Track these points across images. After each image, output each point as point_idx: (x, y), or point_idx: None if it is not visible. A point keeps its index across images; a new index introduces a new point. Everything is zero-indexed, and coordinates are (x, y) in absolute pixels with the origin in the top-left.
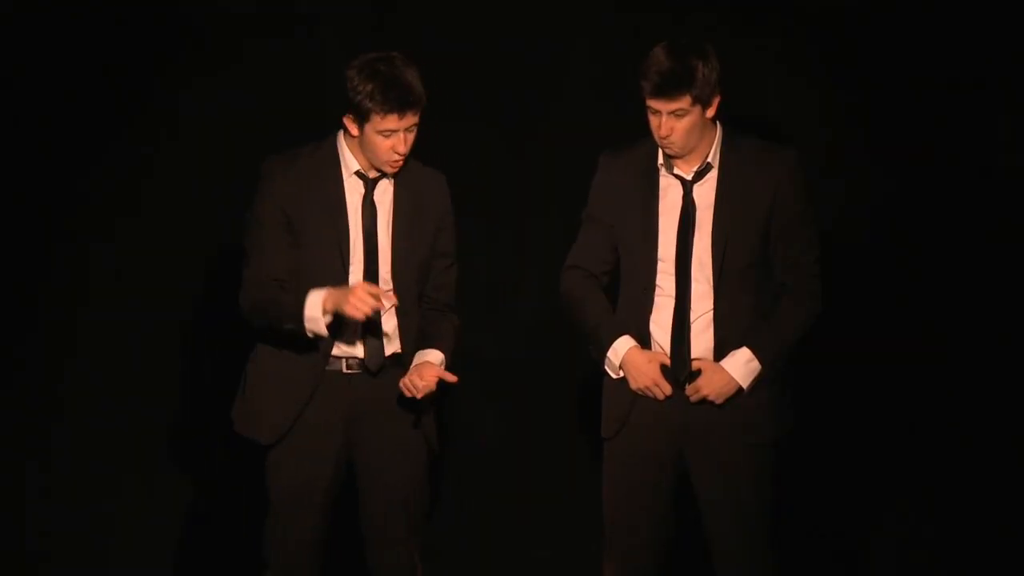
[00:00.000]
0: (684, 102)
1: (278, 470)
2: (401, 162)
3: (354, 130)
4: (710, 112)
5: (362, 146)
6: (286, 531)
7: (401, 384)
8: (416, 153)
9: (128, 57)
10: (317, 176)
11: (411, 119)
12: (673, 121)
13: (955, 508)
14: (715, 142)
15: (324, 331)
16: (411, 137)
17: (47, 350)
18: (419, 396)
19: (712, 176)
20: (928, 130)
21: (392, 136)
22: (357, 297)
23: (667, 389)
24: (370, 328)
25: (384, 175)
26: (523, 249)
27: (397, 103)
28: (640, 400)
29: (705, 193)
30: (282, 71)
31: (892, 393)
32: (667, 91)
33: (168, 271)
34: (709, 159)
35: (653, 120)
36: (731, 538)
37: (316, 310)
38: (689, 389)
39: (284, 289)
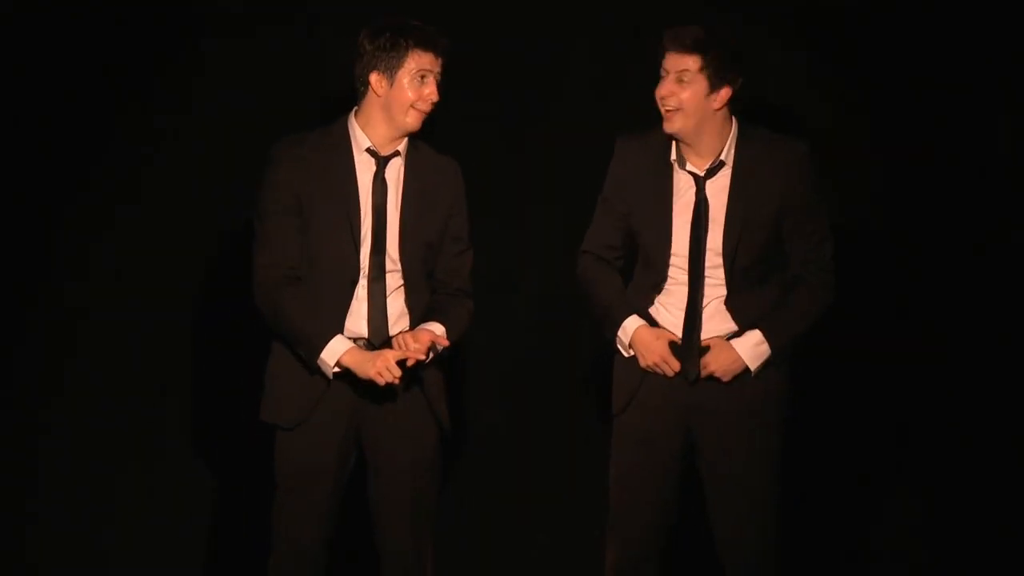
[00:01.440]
0: (691, 62)
1: (285, 453)
2: (424, 116)
3: (381, 87)
4: (716, 101)
5: (388, 104)
6: (292, 515)
7: (394, 341)
8: None
9: (128, 57)
10: (327, 156)
11: (439, 64)
12: (675, 85)
13: (955, 508)
14: (730, 139)
15: (330, 376)
16: (436, 93)
17: (47, 350)
18: (410, 354)
19: (725, 173)
20: (928, 130)
21: (425, 81)
22: (383, 365)
23: (675, 365)
24: (376, 306)
25: (396, 153)
26: (523, 248)
27: (431, 38)
28: (649, 378)
29: (718, 190)
30: (282, 71)
31: (892, 393)
32: (681, 42)
33: (168, 271)
34: (722, 156)
35: (660, 84)
36: (735, 519)
37: (332, 359)
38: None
39: (297, 278)
